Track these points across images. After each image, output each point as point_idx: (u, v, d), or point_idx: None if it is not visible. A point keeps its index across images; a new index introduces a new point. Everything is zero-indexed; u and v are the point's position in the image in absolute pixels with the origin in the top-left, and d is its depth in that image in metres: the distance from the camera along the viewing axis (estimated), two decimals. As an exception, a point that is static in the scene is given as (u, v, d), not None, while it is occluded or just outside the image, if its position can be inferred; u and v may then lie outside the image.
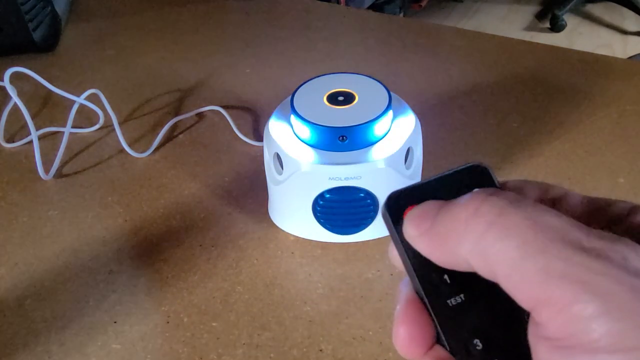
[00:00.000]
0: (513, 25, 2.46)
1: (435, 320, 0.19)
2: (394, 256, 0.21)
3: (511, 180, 0.22)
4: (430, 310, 0.20)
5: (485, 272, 0.17)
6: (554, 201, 0.21)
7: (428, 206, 0.20)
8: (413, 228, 0.20)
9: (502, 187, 0.21)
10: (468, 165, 0.21)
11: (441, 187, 0.21)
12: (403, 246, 0.20)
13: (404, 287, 0.21)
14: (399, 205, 0.20)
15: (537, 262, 0.16)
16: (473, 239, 0.17)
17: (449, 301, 0.19)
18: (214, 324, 0.43)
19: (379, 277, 0.45)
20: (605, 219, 0.20)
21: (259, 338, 0.42)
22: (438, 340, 0.20)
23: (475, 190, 0.19)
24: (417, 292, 0.20)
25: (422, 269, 0.20)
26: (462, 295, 0.19)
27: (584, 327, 0.15)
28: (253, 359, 0.40)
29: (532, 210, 0.17)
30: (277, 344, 0.41)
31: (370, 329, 0.42)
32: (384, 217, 0.21)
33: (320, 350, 0.41)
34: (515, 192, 0.20)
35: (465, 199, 0.19)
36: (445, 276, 0.20)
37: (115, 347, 0.41)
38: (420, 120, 0.47)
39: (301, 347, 0.41)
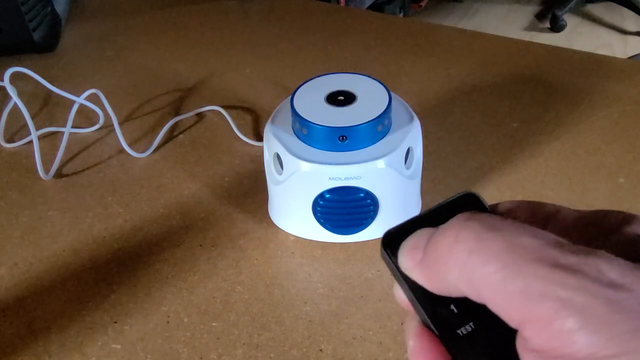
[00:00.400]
0: (513, 25, 2.46)
1: (449, 351, 0.19)
2: (399, 294, 0.21)
3: (502, 203, 0.22)
4: (444, 342, 0.20)
5: (474, 297, 0.18)
6: (546, 219, 0.21)
7: (419, 236, 0.20)
8: (406, 260, 0.20)
9: (494, 211, 0.22)
10: (459, 194, 0.21)
11: (435, 219, 0.21)
12: (406, 281, 0.20)
13: (412, 322, 0.21)
14: (397, 241, 0.21)
15: (517, 284, 0.16)
16: (458, 267, 0.18)
17: (459, 331, 0.19)
18: (214, 324, 0.43)
19: (379, 277, 0.45)
20: (600, 231, 0.20)
21: (259, 338, 0.42)
22: None
23: (456, 216, 0.19)
24: (427, 326, 0.20)
25: (428, 302, 0.20)
26: (471, 324, 0.19)
27: (566, 340, 0.16)
28: (253, 359, 0.40)
29: (507, 233, 0.18)
30: (277, 344, 0.41)
31: (370, 329, 0.42)
32: (382, 256, 0.21)
33: (320, 350, 0.41)
34: (506, 214, 0.22)
35: (446, 226, 0.19)
36: (452, 306, 0.20)
37: (115, 347, 0.41)
38: (420, 120, 0.47)
39: (301, 347, 0.41)
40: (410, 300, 0.21)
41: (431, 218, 0.21)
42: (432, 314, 0.20)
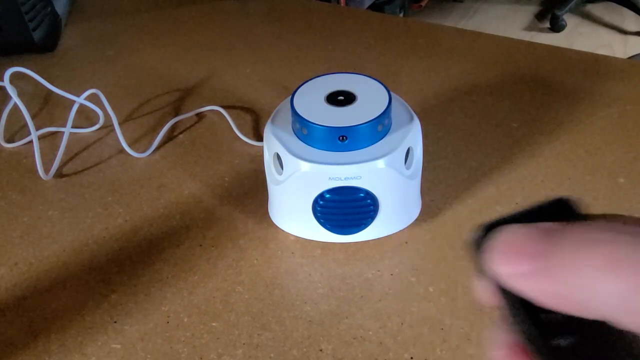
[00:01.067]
0: (513, 25, 2.46)
1: None
2: (484, 292, 0.18)
3: (601, 215, 0.19)
4: (538, 356, 0.17)
5: (633, 326, 0.14)
6: None
7: (529, 233, 0.16)
8: (512, 265, 0.16)
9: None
10: (553, 199, 0.19)
11: (526, 221, 0.18)
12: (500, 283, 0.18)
13: (500, 330, 0.18)
14: (488, 237, 0.18)
15: None
16: (616, 295, 0.14)
17: (557, 343, 0.17)
18: (214, 324, 0.43)
19: (379, 277, 0.45)
20: None
21: (259, 338, 0.42)
22: None
23: (599, 220, 0.16)
24: (519, 334, 0.18)
25: (524, 308, 0.17)
26: (572, 336, 0.17)
27: None
28: (253, 359, 0.40)
29: None
30: (277, 344, 0.41)
31: (370, 329, 0.42)
32: (472, 250, 0.19)
33: (320, 350, 0.41)
34: None
35: (595, 231, 0.15)
36: (553, 315, 0.17)
37: (115, 347, 0.41)
38: (420, 120, 0.47)
39: (301, 347, 0.41)
40: (502, 303, 0.18)
41: (523, 221, 0.18)
42: (528, 321, 0.17)
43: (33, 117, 0.66)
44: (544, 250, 0.16)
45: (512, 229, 0.17)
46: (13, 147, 0.62)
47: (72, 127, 0.60)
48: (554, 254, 0.15)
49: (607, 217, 0.18)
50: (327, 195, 0.43)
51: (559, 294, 0.15)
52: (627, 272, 0.14)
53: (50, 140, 0.62)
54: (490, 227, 0.18)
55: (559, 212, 0.19)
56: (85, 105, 0.63)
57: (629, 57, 1.95)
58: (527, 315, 0.17)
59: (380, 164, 0.42)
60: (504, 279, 0.17)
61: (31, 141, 0.60)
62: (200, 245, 0.49)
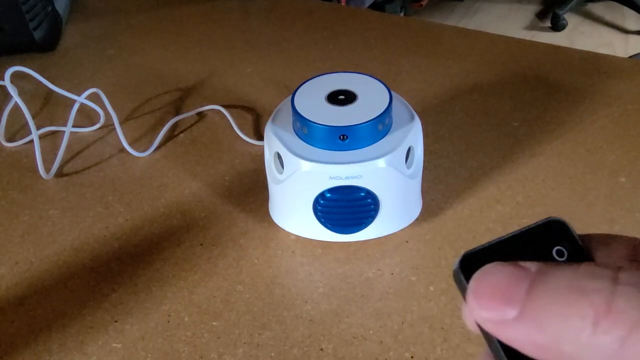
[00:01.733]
0: (514, 24, 2.46)
1: None
2: (470, 321, 0.17)
3: (595, 235, 0.18)
4: None
5: None
6: None
7: (510, 275, 0.15)
8: (488, 310, 0.15)
9: (586, 243, 0.18)
10: (543, 221, 0.19)
11: (517, 246, 0.18)
12: None
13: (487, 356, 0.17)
14: (475, 268, 0.17)
15: None
16: (607, 348, 0.13)
17: None
18: (214, 323, 0.43)
19: (380, 276, 0.45)
20: None
21: (259, 337, 0.42)
22: None
23: (588, 264, 0.15)
24: None
25: (505, 350, 0.17)
26: None
27: None
28: (254, 358, 0.40)
29: None
30: (277, 343, 0.41)
31: (370, 328, 0.42)
32: (457, 280, 0.18)
33: (321, 350, 0.41)
34: (601, 249, 0.17)
35: (583, 278, 0.14)
36: None
37: (116, 347, 0.41)
38: (421, 119, 0.47)
39: (302, 346, 0.41)
40: (487, 337, 0.17)
41: (512, 245, 0.18)
42: (514, 357, 0.16)
43: (34, 116, 0.66)
44: (524, 296, 0.15)
45: (492, 269, 0.16)
46: (14, 147, 0.62)
47: (72, 127, 0.60)
48: (534, 301, 0.15)
49: (600, 237, 0.18)
50: (328, 195, 0.43)
51: (540, 344, 0.14)
52: (621, 326, 0.13)
53: (50, 140, 0.63)
54: (473, 257, 0.18)
55: (549, 236, 0.18)
56: (86, 105, 0.63)
57: (630, 57, 1.95)
58: (515, 353, 0.16)
59: (381, 163, 0.42)
60: (482, 323, 0.16)
61: (32, 140, 0.60)
62: (201, 245, 0.49)
